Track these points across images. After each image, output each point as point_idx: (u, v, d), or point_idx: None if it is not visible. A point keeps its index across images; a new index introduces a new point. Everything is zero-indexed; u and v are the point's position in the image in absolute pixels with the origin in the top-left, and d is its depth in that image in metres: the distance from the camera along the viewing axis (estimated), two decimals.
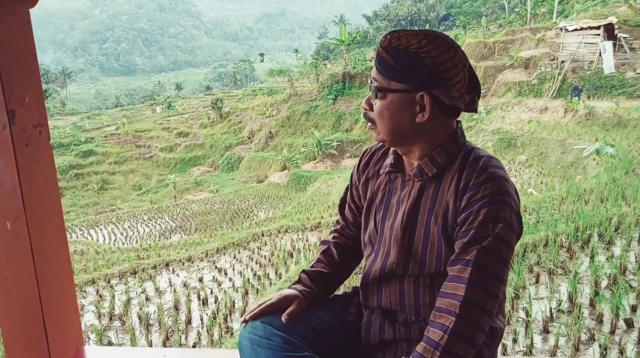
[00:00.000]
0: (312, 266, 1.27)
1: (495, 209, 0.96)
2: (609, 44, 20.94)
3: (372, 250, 1.17)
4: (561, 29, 25.07)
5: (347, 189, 1.30)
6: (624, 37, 22.32)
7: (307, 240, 8.58)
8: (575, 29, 23.34)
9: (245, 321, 1.13)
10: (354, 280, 4.18)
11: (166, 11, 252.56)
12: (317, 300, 1.20)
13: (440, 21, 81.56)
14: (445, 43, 0.99)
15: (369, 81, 1.07)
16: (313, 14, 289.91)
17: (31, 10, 1.10)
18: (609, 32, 22.35)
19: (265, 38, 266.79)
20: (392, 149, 1.15)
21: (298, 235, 9.03)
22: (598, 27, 22.45)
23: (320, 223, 9.51)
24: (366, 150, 1.26)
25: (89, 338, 5.63)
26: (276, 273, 7.09)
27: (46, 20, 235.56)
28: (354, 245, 1.29)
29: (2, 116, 1.01)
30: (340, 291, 1.34)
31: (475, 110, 1.05)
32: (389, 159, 1.15)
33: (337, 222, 1.35)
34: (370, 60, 39.24)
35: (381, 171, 1.17)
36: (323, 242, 1.32)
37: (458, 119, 1.08)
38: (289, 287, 1.20)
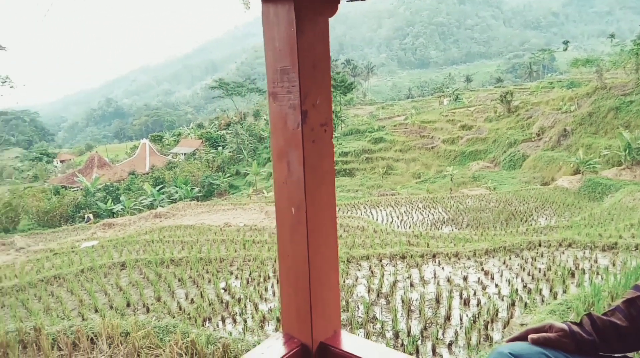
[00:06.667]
0: (604, 313, 0.99)
1: None
2: None
3: None
4: None
5: None
6: None
7: (595, 261, 7.29)
8: None
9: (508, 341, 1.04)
10: None
11: (465, 3, 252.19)
12: (592, 352, 0.94)
13: None
14: None
15: None
16: None
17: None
18: None
19: (572, 23, 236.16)
20: None
21: (584, 253, 7.76)
22: None
23: (616, 243, 7.90)
24: None
25: (358, 308, 6.27)
26: (550, 291, 6.28)
27: (360, 21, 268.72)
28: None
29: (297, 116, 1.15)
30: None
31: None
32: None
33: None
34: None
35: None
36: (635, 287, 1.00)
37: None
38: (564, 322, 1.00)
